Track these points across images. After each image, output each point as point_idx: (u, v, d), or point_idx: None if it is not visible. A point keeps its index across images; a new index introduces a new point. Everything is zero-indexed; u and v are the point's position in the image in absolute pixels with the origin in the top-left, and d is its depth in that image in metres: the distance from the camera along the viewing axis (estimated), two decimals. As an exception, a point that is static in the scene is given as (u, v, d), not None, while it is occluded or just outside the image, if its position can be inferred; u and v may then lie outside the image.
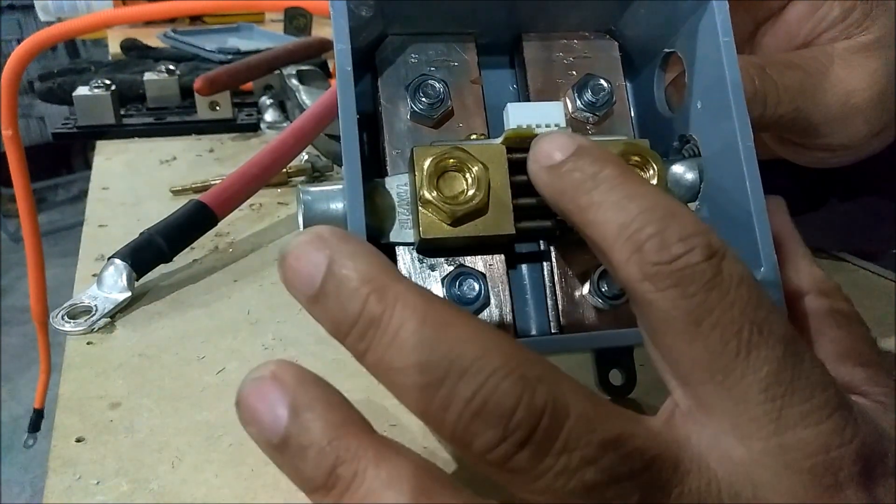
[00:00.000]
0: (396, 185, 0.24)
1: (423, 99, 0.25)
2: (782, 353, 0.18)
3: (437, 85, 0.25)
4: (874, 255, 0.45)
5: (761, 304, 0.18)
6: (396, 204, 0.24)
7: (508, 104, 0.23)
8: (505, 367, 0.16)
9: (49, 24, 0.88)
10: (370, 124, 0.26)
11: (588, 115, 0.27)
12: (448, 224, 0.23)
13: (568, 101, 0.27)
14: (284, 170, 0.53)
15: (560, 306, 0.25)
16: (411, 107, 0.25)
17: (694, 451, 0.18)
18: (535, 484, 0.17)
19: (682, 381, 0.19)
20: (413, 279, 0.24)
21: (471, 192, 0.22)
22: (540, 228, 0.24)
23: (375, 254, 0.18)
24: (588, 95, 0.27)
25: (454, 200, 0.22)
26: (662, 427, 0.19)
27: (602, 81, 0.27)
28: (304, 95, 0.64)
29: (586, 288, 0.25)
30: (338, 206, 0.23)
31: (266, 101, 0.70)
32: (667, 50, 0.27)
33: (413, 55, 0.26)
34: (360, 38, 0.24)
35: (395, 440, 0.17)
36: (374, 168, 0.26)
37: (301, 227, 0.23)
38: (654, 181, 0.23)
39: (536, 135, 0.23)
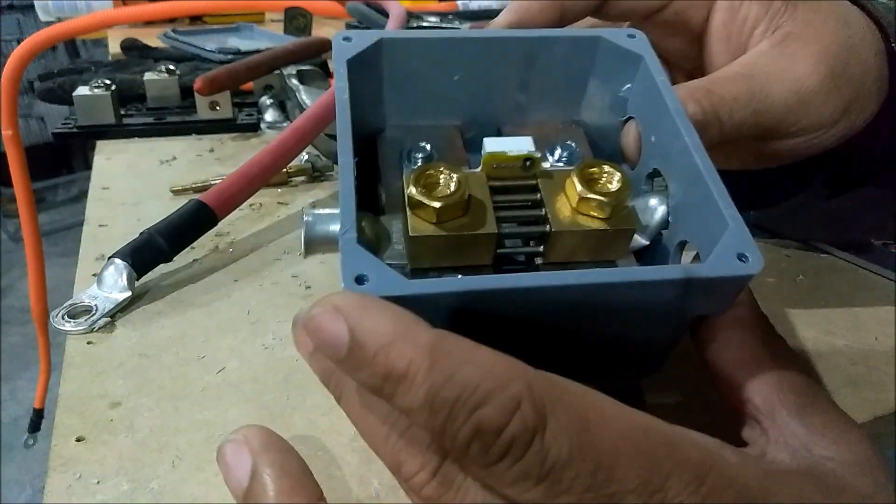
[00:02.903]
0: (393, 222, 0.26)
1: (418, 155, 0.28)
2: None
3: (427, 146, 0.29)
4: (862, 246, 0.45)
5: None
6: (393, 240, 0.25)
7: (485, 138, 0.26)
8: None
9: (49, 24, 0.88)
10: (367, 164, 0.29)
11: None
12: (433, 223, 0.23)
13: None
14: (284, 170, 0.53)
15: None
16: (405, 168, 0.28)
17: None
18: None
19: None
20: None
21: (452, 187, 0.24)
22: (523, 252, 0.25)
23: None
24: (558, 152, 0.29)
25: (439, 194, 0.24)
26: None
27: (570, 142, 0.29)
28: (304, 95, 0.64)
29: None
30: (337, 227, 0.24)
31: (266, 101, 0.70)
32: (621, 119, 0.29)
33: (409, 137, 0.30)
34: (361, 132, 0.27)
35: None
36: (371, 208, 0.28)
37: (303, 245, 0.25)
38: (618, 184, 0.25)
39: (511, 156, 0.25)
